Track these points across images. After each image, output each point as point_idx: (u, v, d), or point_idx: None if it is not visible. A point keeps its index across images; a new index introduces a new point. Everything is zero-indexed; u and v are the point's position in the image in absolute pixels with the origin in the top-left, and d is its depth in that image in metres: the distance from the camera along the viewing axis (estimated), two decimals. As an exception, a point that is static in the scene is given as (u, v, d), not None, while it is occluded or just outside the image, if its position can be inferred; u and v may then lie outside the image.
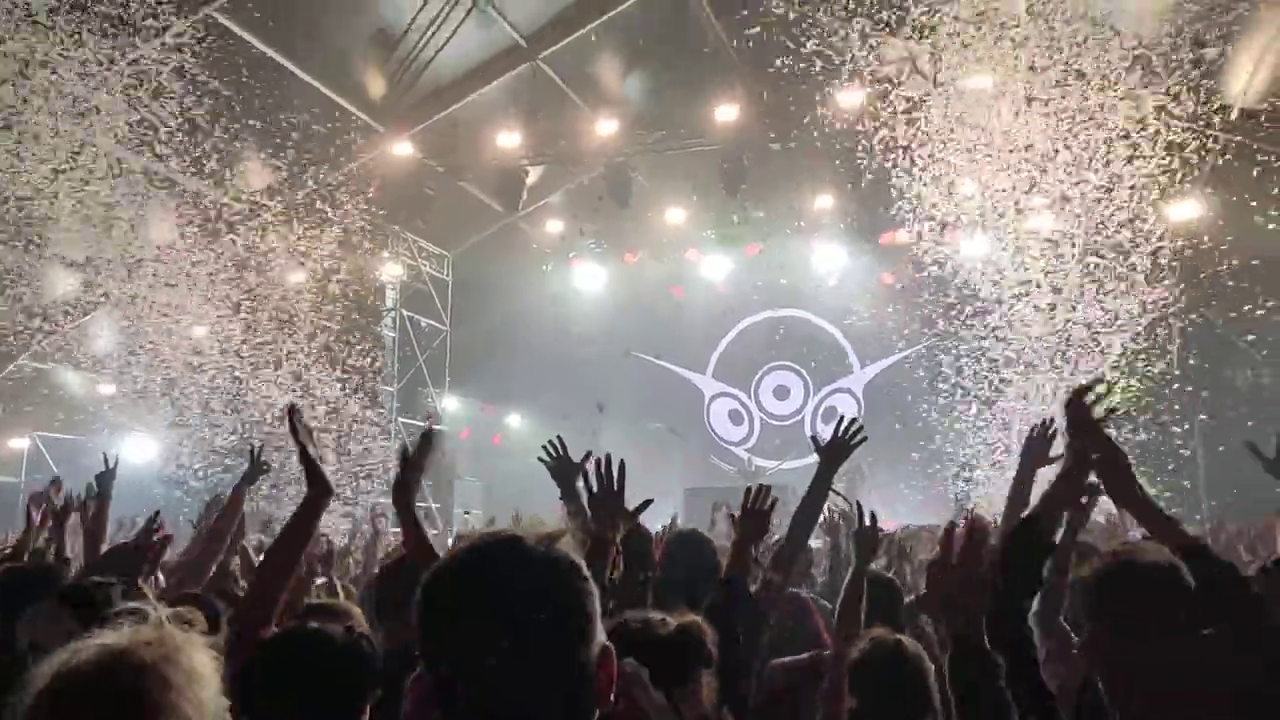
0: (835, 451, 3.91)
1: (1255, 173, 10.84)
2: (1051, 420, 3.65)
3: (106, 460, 4.73)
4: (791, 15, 12.34)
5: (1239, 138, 10.83)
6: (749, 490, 3.56)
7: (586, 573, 1.40)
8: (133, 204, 11.90)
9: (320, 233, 13.99)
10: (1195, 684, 2.15)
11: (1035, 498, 2.71)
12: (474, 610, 1.34)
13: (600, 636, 1.39)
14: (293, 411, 2.76)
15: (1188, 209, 11.89)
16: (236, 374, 13.21)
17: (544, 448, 4.13)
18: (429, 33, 12.27)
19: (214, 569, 4.61)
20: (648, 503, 3.20)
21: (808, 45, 12.42)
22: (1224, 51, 10.41)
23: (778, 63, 12.72)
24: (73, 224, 11.47)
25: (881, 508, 4.18)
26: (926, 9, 11.56)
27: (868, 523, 3.66)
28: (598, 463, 3.02)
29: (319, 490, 2.69)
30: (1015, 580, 2.26)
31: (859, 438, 3.90)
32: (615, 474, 2.97)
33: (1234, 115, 10.76)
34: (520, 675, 1.31)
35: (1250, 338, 13.31)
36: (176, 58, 10.58)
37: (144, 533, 3.93)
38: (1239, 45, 10.21)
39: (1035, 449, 3.72)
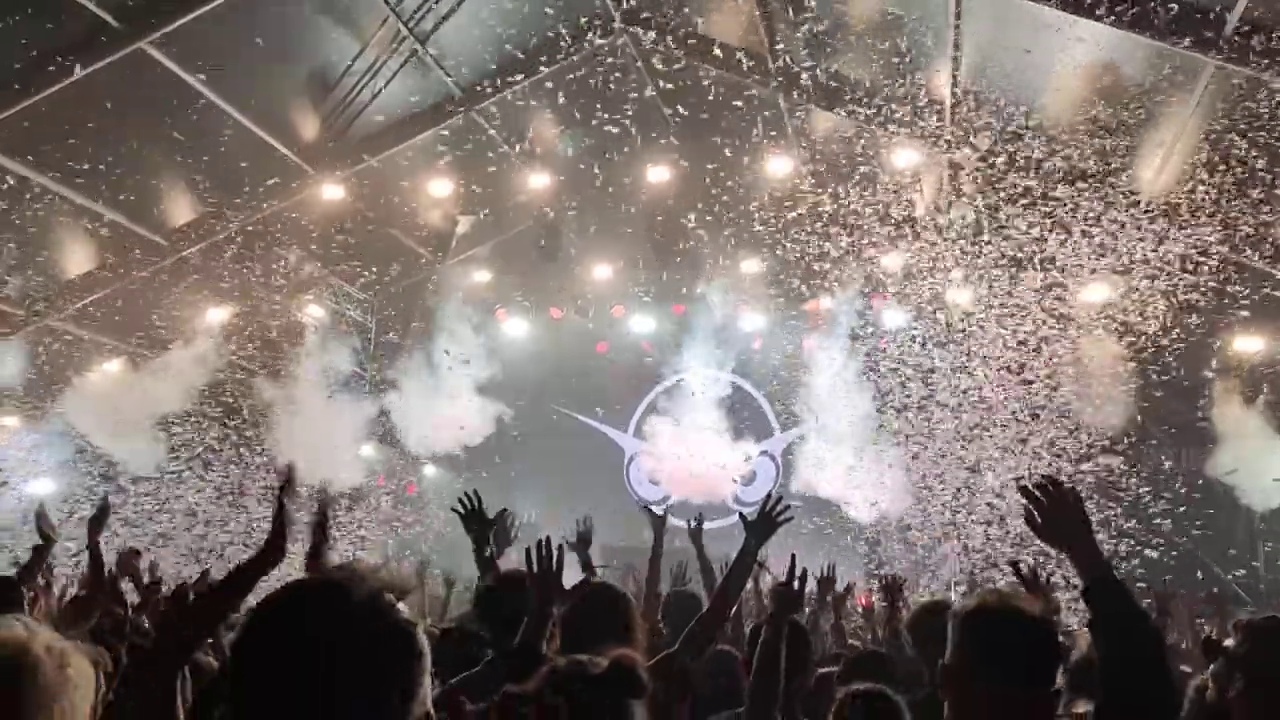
0: (762, 528, 4.00)
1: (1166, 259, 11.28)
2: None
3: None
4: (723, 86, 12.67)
5: (1149, 224, 11.29)
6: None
7: (418, 635, 1.32)
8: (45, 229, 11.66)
9: (243, 271, 13.79)
10: None
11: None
12: (277, 659, 1.24)
13: (422, 705, 1.30)
14: (290, 470, 2.76)
15: (1098, 291, 12.33)
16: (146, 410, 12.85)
17: (460, 500, 4.24)
18: (365, 78, 12.25)
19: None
20: (587, 579, 3.47)
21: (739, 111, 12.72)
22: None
23: (710, 128, 13.02)
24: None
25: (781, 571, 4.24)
26: (851, 91, 11.96)
27: (796, 580, 3.71)
28: (538, 544, 3.31)
29: (274, 552, 2.60)
30: None
31: (785, 515, 4.02)
32: (550, 557, 3.28)
33: (1143, 204, 11.21)
34: None
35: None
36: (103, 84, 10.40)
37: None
38: (1148, 136, 10.69)
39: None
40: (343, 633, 1.25)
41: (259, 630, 1.29)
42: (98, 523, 5.12)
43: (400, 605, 1.32)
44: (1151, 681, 2.28)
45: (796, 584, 3.69)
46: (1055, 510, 2.56)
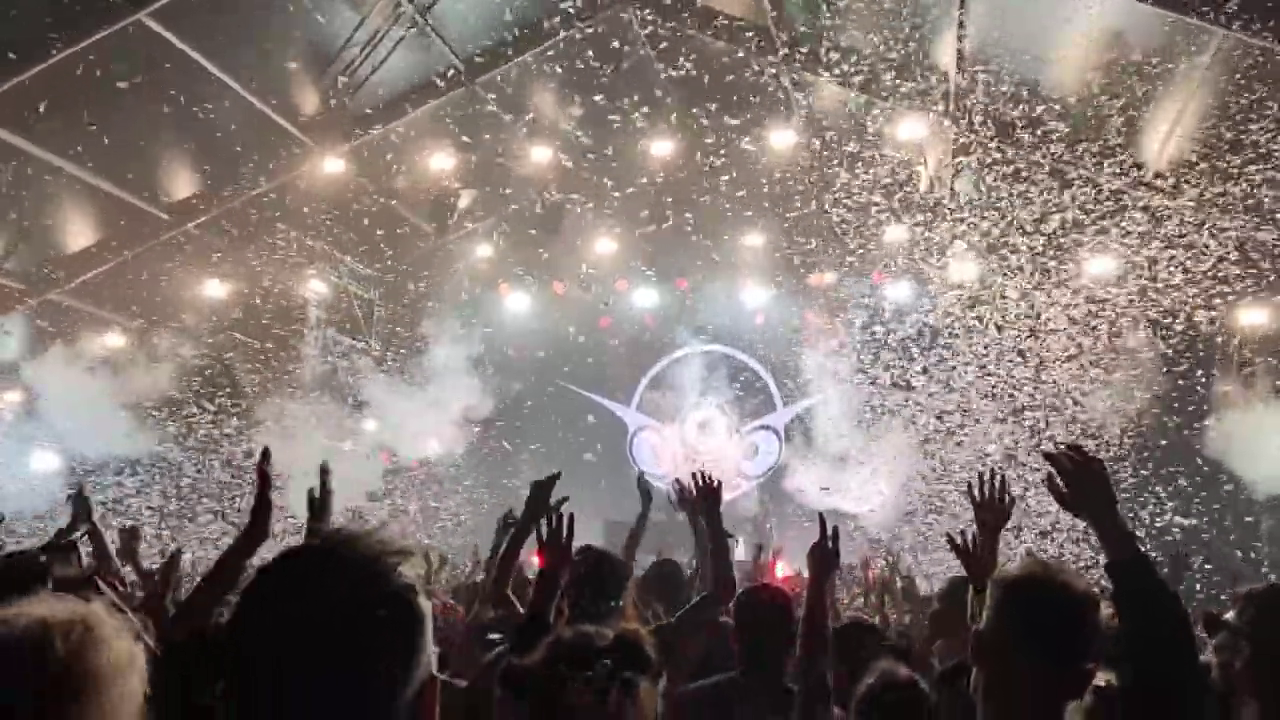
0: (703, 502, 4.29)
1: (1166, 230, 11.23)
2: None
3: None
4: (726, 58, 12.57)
5: (1154, 197, 11.23)
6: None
7: (418, 597, 1.29)
8: (45, 204, 11.62)
9: (244, 246, 13.75)
10: None
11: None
12: (268, 631, 1.22)
13: (425, 669, 1.28)
14: (266, 455, 2.78)
15: (1103, 264, 12.29)
16: (148, 384, 12.86)
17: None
18: (366, 50, 12.15)
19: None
20: (588, 548, 3.83)
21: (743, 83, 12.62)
22: None
23: (714, 100, 12.93)
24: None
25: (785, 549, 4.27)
26: (855, 62, 11.85)
27: (829, 537, 3.66)
28: (550, 513, 3.44)
29: (258, 534, 2.66)
30: None
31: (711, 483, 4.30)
32: (564, 525, 3.37)
33: (1149, 175, 11.15)
34: (316, 707, 1.19)
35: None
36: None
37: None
38: (1156, 109, 10.60)
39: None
40: (334, 600, 1.22)
41: (248, 604, 1.27)
42: (83, 508, 4.97)
43: (400, 569, 1.29)
44: (1177, 660, 2.21)
45: (829, 543, 3.65)
46: (1081, 479, 2.43)
